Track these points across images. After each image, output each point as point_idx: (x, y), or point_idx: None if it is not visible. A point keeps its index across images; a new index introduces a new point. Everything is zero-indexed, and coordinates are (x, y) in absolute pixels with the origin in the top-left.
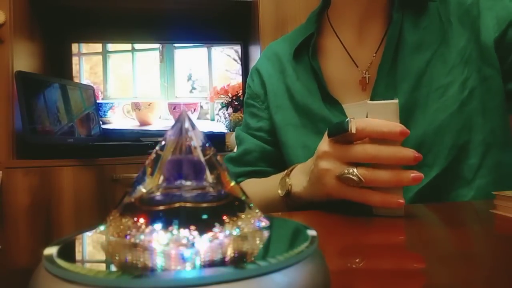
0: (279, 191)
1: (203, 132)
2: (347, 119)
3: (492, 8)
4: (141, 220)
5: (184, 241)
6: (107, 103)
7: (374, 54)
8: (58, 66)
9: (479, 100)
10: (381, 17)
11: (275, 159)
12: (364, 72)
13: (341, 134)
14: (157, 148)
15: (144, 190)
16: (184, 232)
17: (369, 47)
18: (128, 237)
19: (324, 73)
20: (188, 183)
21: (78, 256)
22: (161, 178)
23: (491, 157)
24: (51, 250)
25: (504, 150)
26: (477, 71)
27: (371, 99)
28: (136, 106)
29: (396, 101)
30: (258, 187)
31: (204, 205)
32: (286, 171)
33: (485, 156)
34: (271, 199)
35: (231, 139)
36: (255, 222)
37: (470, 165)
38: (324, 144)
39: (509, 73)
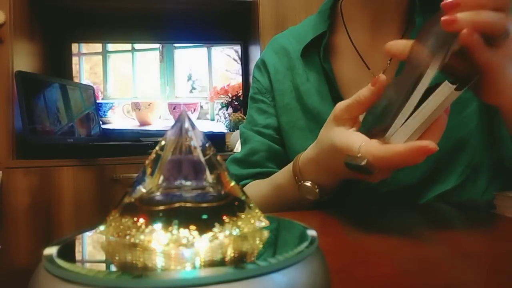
0: (310, 197)
1: (203, 132)
2: (363, 162)
3: None
4: (141, 220)
5: (184, 241)
6: (107, 103)
7: (389, 61)
8: (58, 66)
9: (491, 123)
10: (397, 21)
11: (284, 160)
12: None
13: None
14: (157, 148)
15: (144, 190)
16: (184, 232)
17: (383, 51)
18: (128, 237)
19: (335, 74)
20: (188, 183)
21: (78, 256)
22: (161, 178)
23: (497, 182)
24: (51, 250)
25: (508, 179)
26: None
27: None
28: (136, 106)
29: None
30: (268, 188)
31: (204, 205)
32: (294, 176)
33: (491, 181)
34: (282, 198)
35: (231, 139)
36: (255, 222)
37: (479, 186)
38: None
39: None
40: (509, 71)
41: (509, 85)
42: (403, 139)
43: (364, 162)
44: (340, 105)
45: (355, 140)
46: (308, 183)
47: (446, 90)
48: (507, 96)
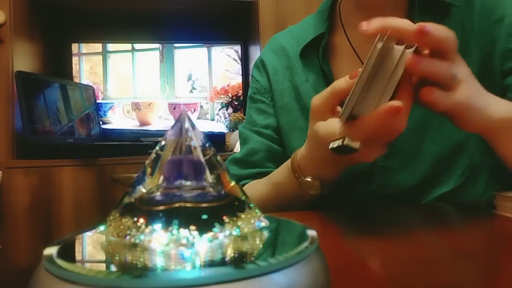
0: (312, 192)
1: (203, 132)
2: (345, 141)
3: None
4: (141, 220)
5: (184, 241)
6: (107, 103)
7: None
8: (58, 66)
9: None
10: None
11: (284, 160)
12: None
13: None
14: (157, 148)
15: (144, 190)
16: (184, 232)
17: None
18: (128, 237)
19: (334, 75)
20: (188, 183)
21: (78, 256)
22: (161, 178)
23: (497, 183)
24: (51, 250)
25: (508, 180)
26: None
27: None
28: (136, 106)
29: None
30: (266, 187)
31: (204, 205)
32: (294, 173)
33: (491, 182)
34: (281, 196)
35: (231, 139)
36: (255, 222)
37: (479, 187)
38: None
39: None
40: (476, 104)
41: (479, 116)
42: (371, 109)
43: (345, 141)
44: (315, 99)
45: (333, 125)
46: (308, 179)
47: (393, 50)
48: (480, 125)
